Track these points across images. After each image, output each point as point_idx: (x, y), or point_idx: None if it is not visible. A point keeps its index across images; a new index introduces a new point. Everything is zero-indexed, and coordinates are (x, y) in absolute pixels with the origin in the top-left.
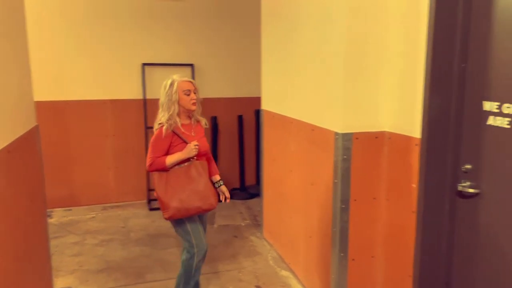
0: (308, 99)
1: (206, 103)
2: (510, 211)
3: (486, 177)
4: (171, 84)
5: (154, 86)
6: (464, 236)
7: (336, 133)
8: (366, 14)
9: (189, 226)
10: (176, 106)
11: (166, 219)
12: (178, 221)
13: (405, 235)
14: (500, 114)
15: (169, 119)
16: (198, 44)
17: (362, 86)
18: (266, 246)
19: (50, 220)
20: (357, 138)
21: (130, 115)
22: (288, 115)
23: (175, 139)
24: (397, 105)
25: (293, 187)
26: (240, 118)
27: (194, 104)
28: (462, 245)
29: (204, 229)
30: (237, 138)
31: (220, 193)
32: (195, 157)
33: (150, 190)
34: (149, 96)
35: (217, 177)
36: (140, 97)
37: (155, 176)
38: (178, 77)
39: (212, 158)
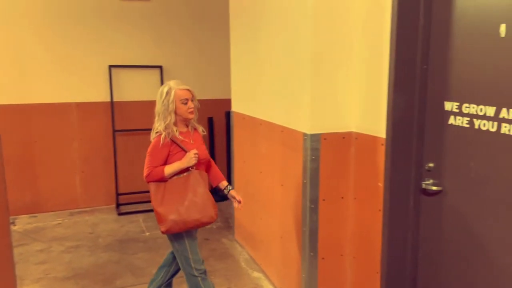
0: (277, 101)
1: None
2: (470, 207)
3: (448, 175)
4: (168, 93)
5: (122, 88)
6: (428, 232)
7: (305, 134)
8: (331, 17)
9: (187, 241)
10: (173, 115)
11: (163, 232)
12: (176, 236)
13: (372, 233)
14: (460, 113)
15: (166, 128)
16: (167, 45)
17: (329, 87)
18: (238, 248)
19: (13, 228)
20: (325, 139)
21: (97, 118)
22: (258, 117)
23: (174, 147)
24: (363, 106)
25: (264, 188)
26: (210, 120)
27: (191, 112)
28: (427, 240)
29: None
30: (207, 140)
31: (231, 198)
32: (194, 167)
33: (119, 194)
34: (116, 98)
35: (224, 183)
36: (108, 99)
37: (152, 187)
38: (175, 84)
39: (214, 163)
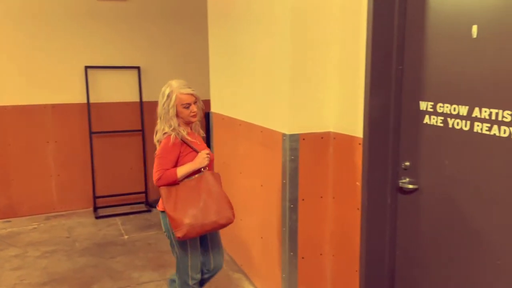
0: (256, 101)
1: (154, 106)
2: (445, 204)
3: (423, 173)
4: (169, 96)
5: (99, 90)
6: (405, 230)
7: (284, 134)
8: (308, 19)
9: (189, 249)
10: (175, 120)
11: (180, 238)
12: (180, 242)
13: (351, 231)
14: (435, 113)
15: (173, 130)
16: (145, 45)
17: (307, 88)
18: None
19: None
20: (303, 139)
21: (73, 120)
22: (237, 117)
23: (184, 148)
24: (340, 106)
25: (244, 189)
26: None
27: (194, 116)
28: (404, 238)
29: (219, 246)
30: None
31: None
32: (206, 167)
33: (96, 197)
34: (93, 100)
35: None
36: (84, 101)
37: (163, 191)
38: (177, 85)
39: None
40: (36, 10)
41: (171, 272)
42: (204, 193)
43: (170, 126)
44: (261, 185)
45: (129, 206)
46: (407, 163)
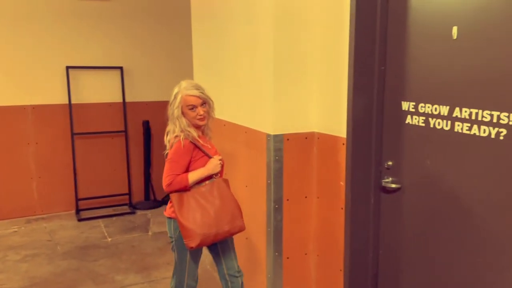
0: (240, 102)
1: (137, 107)
2: (427, 203)
3: (406, 172)
4: (175, 96)
5: (81, 90)
6: (389, 229)
7: (268, 135)
8: (292, 20)
9: (189, 258)
10: (183, 120)
11: (192, 248)
12: (181, 247)
13: (335, 231)
14: (416, 113)
15: (182, 131)
16: (128, 46)
17: (291, 88)
18: (204, 250)
19: None
20: (288, 139)
21: (54, 121)
22: (221, 118)
23: (196, 152)
24: (324, 106)
25: None
26: None
27: (201, 119)
28: (387, 236)
29: (230, 250)
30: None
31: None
32: (218, 174)
33: (78, 199)
34: (75, 100)
35: None
36: (65, 102)
37: (175, 198)
38: (185, 85)
39: None
40: (16, 9)
41: (155, 274)
42: (217, 201)
43: (179, 127)
44: (246, 186)
45: (112, 208)
46: (390, 163)
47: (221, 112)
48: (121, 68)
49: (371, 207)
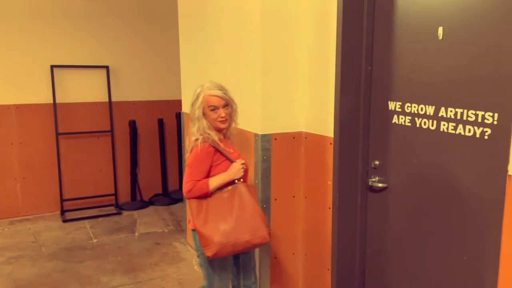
0: None
1: (123, 107)
2: (413, 202)
3: (392, 172)
4: (197, 96)
5: (65, 90)
6: (375, 227)
7: (256, 135)
8: (279, 20)
9: (217, 269)
10: (203, 121)
11: (209, 257)
12: (208, 261)
13: (322, 230)
14: (403, 113)
15: (201, 133)
16: (114, 44)
17: (278, 88)
18: (191, 251)
19: None
20: (275, 139)
21: (39, 121)
22: None
23: (217, 156)
24: (312, 106)
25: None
26: (160, 121)
27: (222, 122)
28: (374, 235)
29: (250, 266)
30: (158, 142)
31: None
32: (241, 179)
33: (63, 200)
34: (60, 100)
35: None
36: (50, 101)
37: (193, 204)
38: (208, 85)
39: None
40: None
41: (142, 276)
42: (238, 208)
43: (198, 128)
44: None
45: (98, 209)
46: (377, 162)
47: None
48: (107, 67)
49: (358, 206)
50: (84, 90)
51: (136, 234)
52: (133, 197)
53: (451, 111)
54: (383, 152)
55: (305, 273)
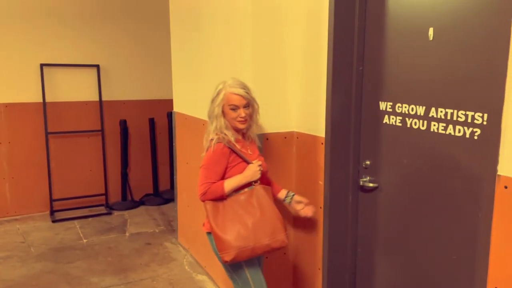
0: None
1: (114, 106)
2: (404, 202)
3: (383, 171)
4: (218, 93)
5: (55, 89)
6: (366, 227)
7: None
8: (271, 20)
9: (247, 272)
10: (221, 120)
11: (227, 262)
12: (234, 266)
13: (313, 230)
14: (394, 113)
15: (217, 133)
16: (105, 43)
17: (270, 88)
18: (182, 251)
19: None
20: (267, 139)
21: (28, 120)
22: (200, 117)
23: (233, 158)
24: (303, 106)
25: None
26: (151, 121)
27: (242, 122)
28: (365, 235)
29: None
30: (148, 142)
31: (296, 205)
32: (258, 181)
33: (53, 200)
34: (49, 99)
35: (283, 192)
36: (39, 100)
37: (209, 207)
38: (230, 83)
39: (270, 178)
40: None
41: (132, 276)
42: (256, 210)
43: (216, 127)
44: None
45: (88, 209)
46: (368, 162)
47: (200, 111)
48: (97, 66)
49: (349, 206)
50: (74, 89)
51: (127, 234)
52: (124, 197)
53: (441, 111)
54: (374, 152)
55: (295, 273)
